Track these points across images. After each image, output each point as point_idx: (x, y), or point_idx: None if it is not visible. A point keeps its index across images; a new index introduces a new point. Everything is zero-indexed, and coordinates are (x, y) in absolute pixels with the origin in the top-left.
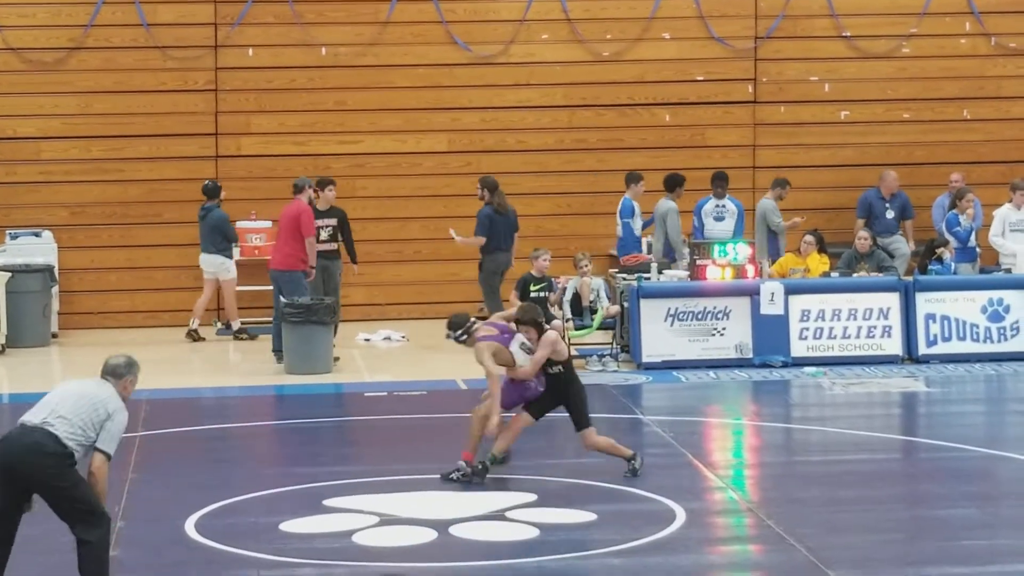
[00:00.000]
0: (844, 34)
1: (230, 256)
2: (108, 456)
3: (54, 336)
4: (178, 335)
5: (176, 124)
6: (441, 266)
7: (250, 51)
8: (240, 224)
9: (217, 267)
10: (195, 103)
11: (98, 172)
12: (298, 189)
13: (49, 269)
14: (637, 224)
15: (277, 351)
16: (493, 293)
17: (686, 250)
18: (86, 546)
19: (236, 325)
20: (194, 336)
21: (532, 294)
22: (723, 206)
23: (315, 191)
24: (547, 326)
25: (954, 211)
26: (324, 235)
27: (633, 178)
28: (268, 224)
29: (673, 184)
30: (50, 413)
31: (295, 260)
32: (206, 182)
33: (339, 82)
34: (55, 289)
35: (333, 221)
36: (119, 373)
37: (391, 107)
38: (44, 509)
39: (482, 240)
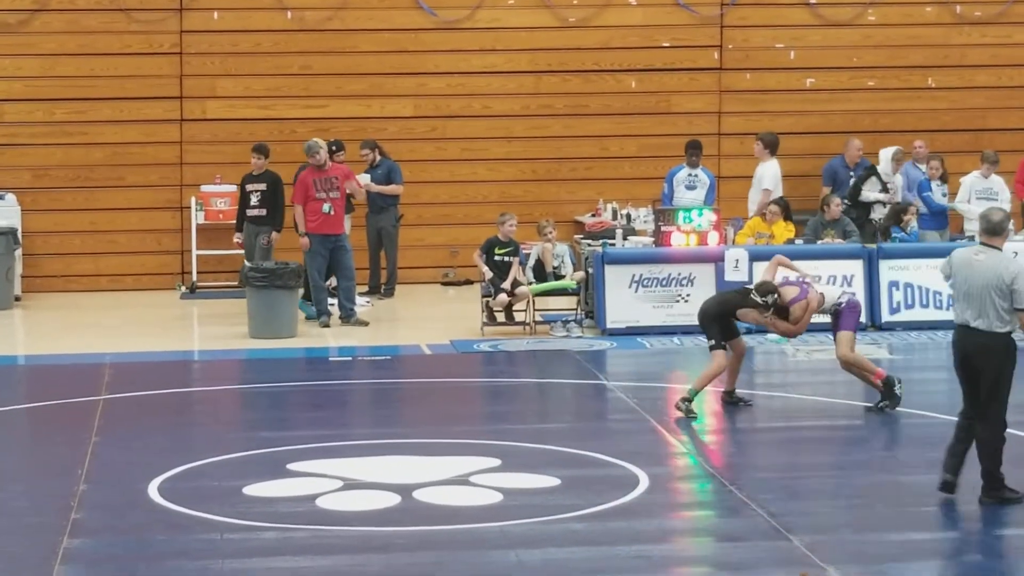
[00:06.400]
0: (810, 1)
1: None
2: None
3: (17, 299)
4: (141, 298)
5: (140, 87)
6: (405, 231)
7: (215, 14)
8: (204, 188)
9: None
10: (160, 66)
11: (62, 135)
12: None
13: (12, 232)
14: None
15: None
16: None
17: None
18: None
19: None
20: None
21: (496, 257)
22: (695, 175)
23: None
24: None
25: (926, 177)
26: (254, 200)
27: None
28: (233, 188)
29: None
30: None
31: None
32: None
33: (305, 46)
34: (18, 252)
35: (262, 186)
36: (1001, 228)
37: (356, 72)
38: None
39: (401, 189)
